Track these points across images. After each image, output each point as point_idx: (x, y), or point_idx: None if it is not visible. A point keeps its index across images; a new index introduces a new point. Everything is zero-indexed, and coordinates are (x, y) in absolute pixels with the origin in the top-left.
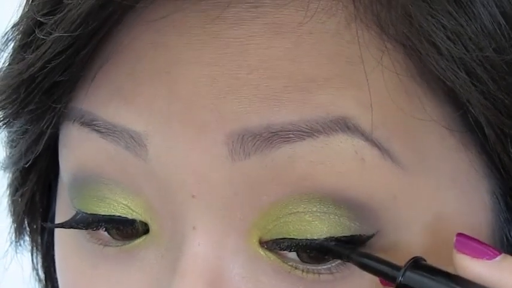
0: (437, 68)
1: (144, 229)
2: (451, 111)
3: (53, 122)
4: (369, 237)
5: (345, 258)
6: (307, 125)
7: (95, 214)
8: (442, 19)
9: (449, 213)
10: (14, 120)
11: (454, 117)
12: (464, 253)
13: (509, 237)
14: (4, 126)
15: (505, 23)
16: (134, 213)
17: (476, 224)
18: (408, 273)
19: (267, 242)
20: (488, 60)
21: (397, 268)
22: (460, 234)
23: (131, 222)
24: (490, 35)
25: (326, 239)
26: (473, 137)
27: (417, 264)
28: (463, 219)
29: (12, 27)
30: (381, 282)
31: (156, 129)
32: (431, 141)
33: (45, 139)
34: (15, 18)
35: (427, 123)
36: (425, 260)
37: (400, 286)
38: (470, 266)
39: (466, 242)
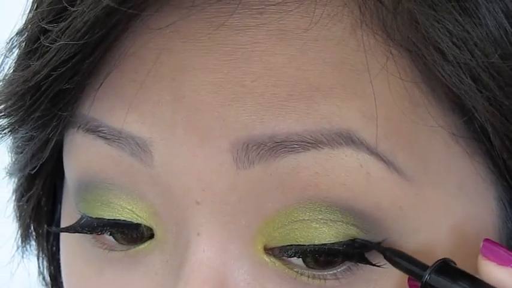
0: (442, 74)
1: (149, 234)
2: (456, 118)
3: (59, 129)
4: (376, 244)
5: (379, 253)
6: (311, 136)
7: (100, 218)
8: (448, 25)
9: (456, 221)
10: (19, 127)
11: (460, 124)
12: (489, 259)
13: None
14: (10, 133)
15: (510, 27)
16: (139, 218)
17: (483, 230)
18: (434, 274)
19: (273, 249)
20: (494, 67)
21: (425, 268)
22: (487, 240)
23: (136, 227)
24: (495, 41)
25: (334, 244)
26: (479, 145)
27: (445, 265)
28: (470, 226)
29: (17, 34)
30: (408, 281)
31: (161, 135)
32: (437, 149)
33: (51, 146)
34: (20, 24)
35: (432, 132)
36: (454, 263)
37: (425, 285)
38: (493, 272)
39: (491, 248)
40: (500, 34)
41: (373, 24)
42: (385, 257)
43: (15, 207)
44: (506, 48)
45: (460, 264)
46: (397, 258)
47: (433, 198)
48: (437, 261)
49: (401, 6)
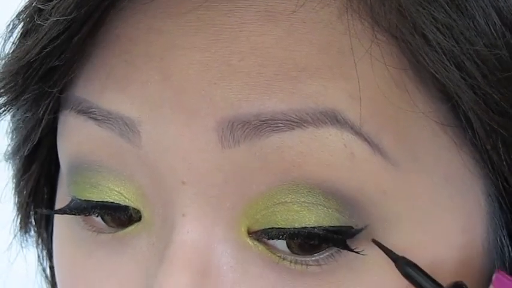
0: (427, 60)
1: (138, 216)
2: (443, 106)
3: (50, 108)
4: (358, 231)
5: (393, 261)
6: (296, 115)
7: (88, 200)
8: (433, 11)
9: (442, 213)
10: (13, 106)
11: (447, 113)
12: None
13: (504, 241)
14: (4, 113)
15: (498, 20)
16: (127, 200)
17: (470, 225)
18: None
19: (255, 232)
20: (479, 55)
21: (438, 287)
22: (499, 272)
23: (124, 209)
24: (482, 32)
25: (313, 228)
26: (466, 135)
27: None
28: (456, 219)
29: (17, 16)
30: None
31: (149, 115)
32: (424, 137)
33: (42, 126)
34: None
35: (420, 119)
36: (467, 287)
37: None
38: None
39: (505, 282)
40: (487, 25)
41: (360, 9)
42: (397, 267)
43: (14, 193)
44: (493, 38)
45: (441, 258)
46: (410, 270)
47: (418, 186)
48: (452, 283)
49: None
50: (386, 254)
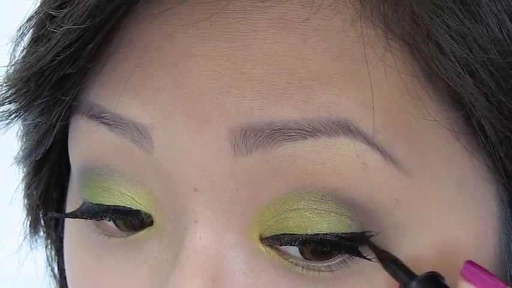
0: (440, 68)
1: (150, 221)
2: (455, 114)
3: (63, 114)
4: (370, 238)
5: (377, 255)
6: (309, 124)
7: (100, 204)
8: (447, 19)
9: (455, 219)
10: (25, 112)
11: (460, 120)
12: (470, 282)
13: None
14: (16, 119)
15: None
16: (138, 205)
17: (482, 230)
18: (420, 285)
19: (267, 238)
20: (493, 63)
21: (413, 276)
22: (468, 262)
23: (136, 213)
24: (496, 39)
25: (326, 235)
26: (478, 142)
27: (433, 279)
28: (469, 225)
29: (27, 21)
30: None
31: (161, 122)
32: (436, 145)
33: (54, 132)
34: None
35: (432, 126)
36: (443, 278)
37: None
38: None
39: (473, 271)
40: (501, 33)
41: (373, 16)
42: (377, 257)
43: (24, 195)
44: (506, 45)
45: (453, 264)
46: (389, 261)
47: (430, 194)
48: (426, 273)
49: (403, 0)
50: (370, 248)
